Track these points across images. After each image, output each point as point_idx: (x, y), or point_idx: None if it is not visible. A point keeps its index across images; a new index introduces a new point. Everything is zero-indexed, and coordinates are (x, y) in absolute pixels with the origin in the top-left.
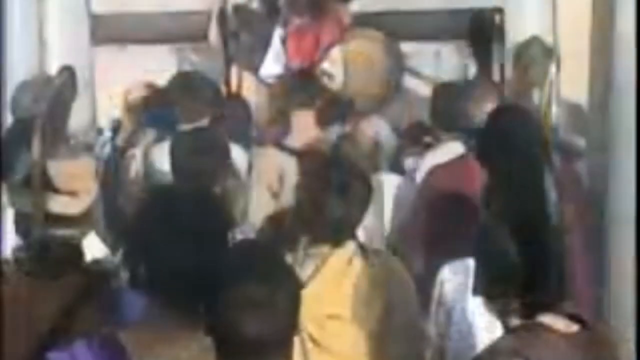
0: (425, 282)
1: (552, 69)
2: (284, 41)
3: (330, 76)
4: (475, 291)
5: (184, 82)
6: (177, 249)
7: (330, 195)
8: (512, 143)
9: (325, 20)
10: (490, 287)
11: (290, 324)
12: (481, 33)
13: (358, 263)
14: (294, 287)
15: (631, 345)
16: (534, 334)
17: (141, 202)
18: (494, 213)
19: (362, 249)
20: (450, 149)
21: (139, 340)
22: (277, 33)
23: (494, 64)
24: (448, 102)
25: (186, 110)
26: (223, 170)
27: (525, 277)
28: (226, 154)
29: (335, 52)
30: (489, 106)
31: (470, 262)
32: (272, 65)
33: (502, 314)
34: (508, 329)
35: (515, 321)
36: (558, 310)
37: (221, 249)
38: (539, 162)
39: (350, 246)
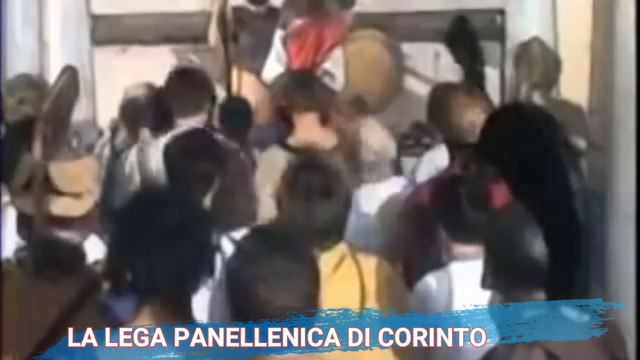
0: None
1: (552, 69)
2: (284, 42)
3: (331, 76)
4: (484, 284)
5: (181, 76)
6: (159, 251)
7: (315, 199)
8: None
9: (327, 20)
10: (503, 280)
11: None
12: (462, 37)
13: (347, 267)
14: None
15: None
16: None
17: (124, 205)
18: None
19: (352, 252)
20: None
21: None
22: (278, 34)
23: (479, 68)
24: (443, 102)
25: (182, 105)
26: (219, 173)
27: (553, 270)
28: (221, 156)
29: (337, 53)
30: (472, 112)
31: (451, 269)
32: (274, 67)
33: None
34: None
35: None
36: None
37: (205, 250)
38: (560, 158)
39: (338, 250)
